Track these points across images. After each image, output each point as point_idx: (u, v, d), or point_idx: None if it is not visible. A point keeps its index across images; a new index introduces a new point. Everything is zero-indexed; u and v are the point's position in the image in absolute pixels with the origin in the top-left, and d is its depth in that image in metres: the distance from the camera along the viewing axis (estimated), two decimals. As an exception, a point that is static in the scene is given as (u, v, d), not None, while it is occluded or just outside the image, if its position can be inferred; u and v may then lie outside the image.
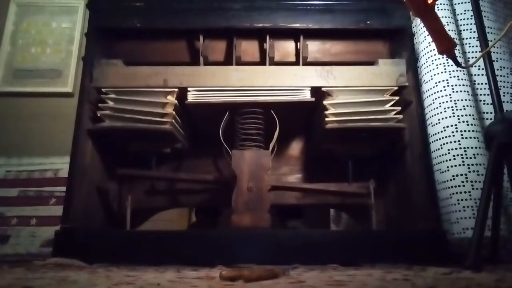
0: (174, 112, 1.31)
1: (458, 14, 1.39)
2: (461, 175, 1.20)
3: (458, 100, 1.27)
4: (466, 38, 1.36)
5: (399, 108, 1.32)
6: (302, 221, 1.65)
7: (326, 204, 1.48)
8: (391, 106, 1.32)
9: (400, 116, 1.32)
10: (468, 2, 1.32)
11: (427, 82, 1.35)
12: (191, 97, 1.33)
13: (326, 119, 1.30)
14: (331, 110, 1.31)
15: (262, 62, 1.44)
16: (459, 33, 1.37)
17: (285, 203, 1.47)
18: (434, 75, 1.33)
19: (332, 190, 1.39)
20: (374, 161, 1.47)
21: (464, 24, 1.37)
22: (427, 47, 1.37)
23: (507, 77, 1.32)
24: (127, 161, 1.45)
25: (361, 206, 1.40)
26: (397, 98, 1.33)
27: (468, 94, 1.29)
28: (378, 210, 1.41)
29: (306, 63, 1.42)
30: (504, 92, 1.28)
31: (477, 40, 1.25)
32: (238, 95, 1.33)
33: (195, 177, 1.49)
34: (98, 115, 1.31)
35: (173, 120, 1.32)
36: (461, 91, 1.28)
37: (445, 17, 1.36)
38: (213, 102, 1.33)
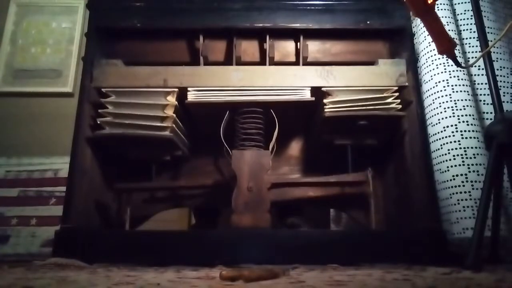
0: (174, 115, 1.31)
1: (458, 14, 1.39)
2: (461, 175, 1.20)
3: (458, 100, 1.27)
4: (466, 38, 1.36)
5: (399, 100, 1.33)
6: (302, 217, 1.65)
7: (326, 199, 1.47)
8: (392, 100, 1.33)
9: (400, 106, 1.32)
10: (468, 2, 1.32)
11: (427, 82, 1.35)
12: (191, 96, 1.33)
13: (325, 107, 1.30)
14: (330, 99, 1.32)
15: (262, 62, 1.44)
16: (459, 33, 1.37)
17: (285, 199, 1.47)
18: (434, 75, 1.33)
19: (331, 181, 1.39)
20: (374, 161, 1.47)
21: (464, 24, 1.37)
22: (427, 47, 1.37)
23: (507, 77, 1.32)
24: (127, 166, 1.45)
25: (360, 196, 1.39)
26: (397, 94, 1.33)
27: (468, 94, 1.29)
28: (378, 210, 1.41)
29: (306, 63, 1.42)
30: (504, 92, 1.28)
31: (477, 40, 1.25)
32: (238, 95, 1.33)
33: (194, 183, 1.49)
34: (98, 122, 1.31)
35: (174, 125, 1.32)
36: (461, 91, 1.28)
37: (445, 17, 1.36)
38: (213, 101, 1.33)
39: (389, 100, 1.33)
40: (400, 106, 1.33)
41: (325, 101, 1.32)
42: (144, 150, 1.39)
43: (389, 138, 1.43)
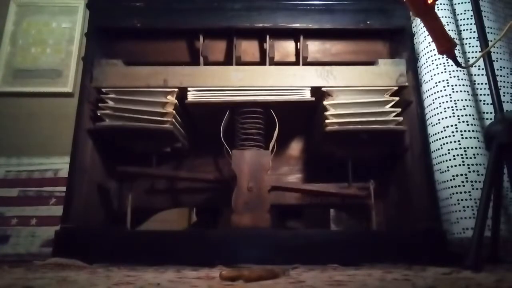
0: (174, 112, 1.32)
1: (458, 14, 1.39)
2: (461, 175, 1.20)
3: (458, 100, 1.27)
4: (466, 38, 1.36)
5: (399, 109, 1.32)
6: (302, 221, 1.65)
7: (326, 205, 1.47)
8: (391, 107, 1.32)
9: (401, 118, 1.32)
10: (468, 2, 1.32)
11: (427, 82, 1.35)
12: (191, 96, 1.33)
13: (326, 121, 1.30)
14: (331, 111, 1.31)
15: (262, 62, 1.44)
16: (459, 33, 1.37)
17: (285, 203, 1.47)
18: (434, 75, 1.33)
19: (332, 191, 1.39)
20: (375, 162, 1.47)
21: (464, 24, 1.37)
22: (427, 47, 1.37)
23: (507, 77, 1.32)
24: (127, 161, 1.44)
25: (361, 206, 1.39)
26: (397, 98, 1.33)
27: (468, 94, 1.29)
28: (378, 211, 1.41)
29: (306, 63, 1.42)
30: (504, 92, 1.28)
31: (477, 40, 1.25)
32: (238, 95, 1.33)
33: (195, 176, 1.49)
34: (99, 114, 1.31)
35: (173, 119, 1.32)
36: (461, 91, 1.28)
37: (445, 17, 1.36)
38: (213, 101, 1.33)
39: (388, 107, 1.32)
40: (401, 118, 1.32)
41: (326, 113, 1.30)
42: (144, 142, 1.39)
43: (390, 148, 1.42)
